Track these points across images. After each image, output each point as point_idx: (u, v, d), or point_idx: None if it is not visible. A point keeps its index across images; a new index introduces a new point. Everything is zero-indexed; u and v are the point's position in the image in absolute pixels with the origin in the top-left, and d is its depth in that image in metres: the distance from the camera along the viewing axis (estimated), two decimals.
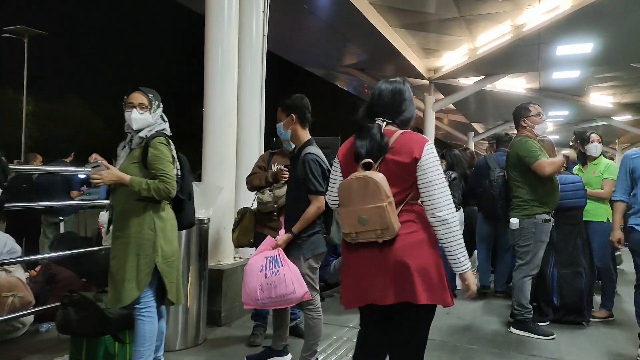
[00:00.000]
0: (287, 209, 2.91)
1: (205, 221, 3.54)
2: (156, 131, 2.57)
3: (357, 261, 1.92)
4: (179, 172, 2.63)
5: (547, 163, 3.44)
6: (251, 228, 3.52)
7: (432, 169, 1.85)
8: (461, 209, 4.96)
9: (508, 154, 3.83)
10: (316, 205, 2.68)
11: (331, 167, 2.17)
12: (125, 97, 2.56)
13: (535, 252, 3.58)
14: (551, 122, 19.58)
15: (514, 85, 14.63)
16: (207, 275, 3.57)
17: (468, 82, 13.69)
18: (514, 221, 3.61)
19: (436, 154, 1.90)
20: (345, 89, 17.11)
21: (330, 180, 2.13)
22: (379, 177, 1.80)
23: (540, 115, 3.70)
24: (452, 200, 1.87)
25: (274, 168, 3.50)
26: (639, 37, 8.90)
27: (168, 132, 2.63)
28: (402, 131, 1.93)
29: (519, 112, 3.74)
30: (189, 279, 3.37)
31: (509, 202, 3.74)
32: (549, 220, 3.56)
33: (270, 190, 3.40)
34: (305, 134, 2.85)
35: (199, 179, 4.29)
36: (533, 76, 13.53)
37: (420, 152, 1.85)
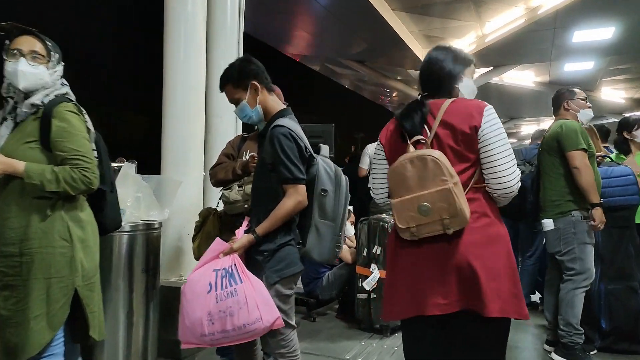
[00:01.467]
0: (252, 206, 2.11)
1: (156, 226, 2.74)
2: (56, 95, 1.78)
3: (413, 262, 1.62)
4: (96, 154, 1.85)
5: (585, 162, 2.89)
6: (215, 234, 2.73)
7: (496, 136, 1.56)
8: None
9: (543, 138, 3.23)
10: (294, 199, 1.87)
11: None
12: (8, 42, 1.76)
13: (582, 257, 2.95)
14: None
15: (521, 78, 13.88)
16: (159, 296, 2.77)
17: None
18: (547, 222, 3.05)
19: (499, 119, 1.60)
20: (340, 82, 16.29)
21: (373, 170, 1.83)
22: (437, 153, 1.53)
23: (587, 101, 3.16)
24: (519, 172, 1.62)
25: (246, 156, 2.72)
26: None
27: (72, 97, 1.83)
28: (452, 99, 1.64)
29: (561, 95, 3.20)
30: (132, 301, 2.57)
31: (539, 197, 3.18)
32: (588, 218, 2.95)
33: (239, 187, 2.63)
34: (276, 102, 2.05)
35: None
36: (543, 68, 12.79)
37: (479, 118, 1.57)
